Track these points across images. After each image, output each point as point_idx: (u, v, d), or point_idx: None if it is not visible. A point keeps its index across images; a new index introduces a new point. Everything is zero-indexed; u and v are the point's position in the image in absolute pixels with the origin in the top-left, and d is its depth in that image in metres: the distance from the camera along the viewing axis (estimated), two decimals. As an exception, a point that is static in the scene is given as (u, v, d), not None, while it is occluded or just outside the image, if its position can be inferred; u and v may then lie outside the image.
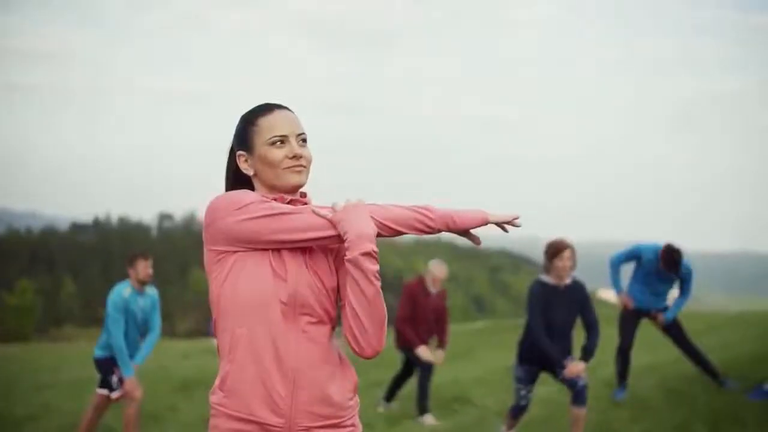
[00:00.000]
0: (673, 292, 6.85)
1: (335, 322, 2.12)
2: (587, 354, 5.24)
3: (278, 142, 2.07)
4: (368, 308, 2.00)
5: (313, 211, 2.03)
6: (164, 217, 77.31)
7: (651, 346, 8.28)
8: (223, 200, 2.06)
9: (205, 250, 2.10)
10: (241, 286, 2.01)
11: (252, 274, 2.01)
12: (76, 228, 73.77)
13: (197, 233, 79.50)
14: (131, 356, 6.00)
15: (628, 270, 6.91)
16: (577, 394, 5.19)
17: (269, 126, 2.09)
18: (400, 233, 2.10)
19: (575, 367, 5.13)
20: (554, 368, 5.24)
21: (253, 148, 2.10)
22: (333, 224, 2.02)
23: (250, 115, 2.14)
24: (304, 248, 2.06)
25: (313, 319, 2.05)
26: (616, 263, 6.82)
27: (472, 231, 2.17)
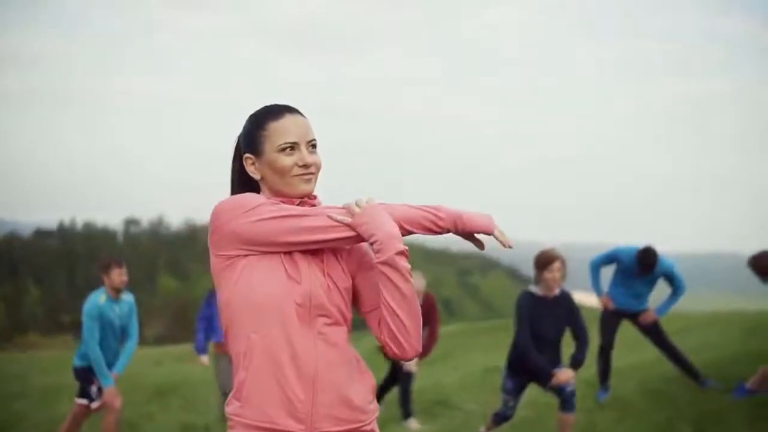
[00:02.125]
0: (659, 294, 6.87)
1: (350, 324, 2.07)
2: (576, 363, 5.23)
3: (288, 149, 2.02)
4: (408, 308, 1.97)
5: (329, 215, 1.98)
6: (130, 222, 76.30)
7: (631, 347, 8.31)
8: (230, 203, 2.00)
9: (211, 256, 2.04)
10: (255, 290, 1.95)
11: (265, 278, 1.95)
12: (40, 233, 72.50)
13: (164, 238, 78.88)
14: (110, 365, 5.89)
15: (608, 273, 6.95)
16: (565, 400, 5.17)
17: (279, 131, 2.03)
18: (411, 233, 2.06)
19: (563, 374, 5.10)
20: (543, 380, 5.21)
21: (262, 153, 2.04)
22: (351, 226, 1.97)
23: (259, 118, 2.08)
24: (315, 250, 2.01)
25: (330, 321, 2.00)
26: (596, 266, 6.84)
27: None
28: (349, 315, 2.06)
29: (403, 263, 1.96)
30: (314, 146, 2.06)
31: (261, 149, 2.04)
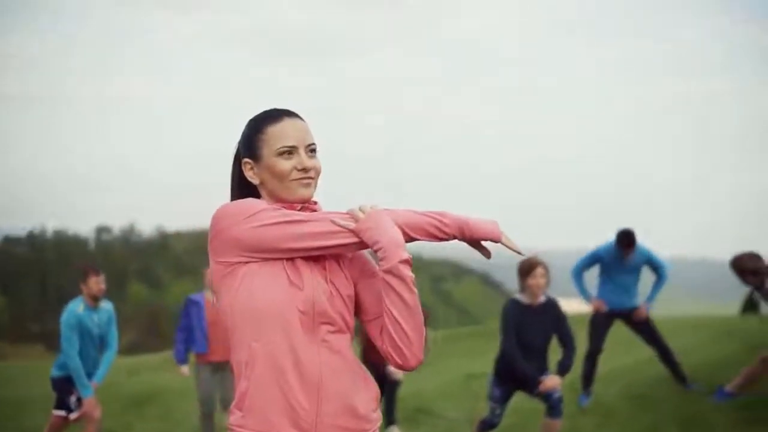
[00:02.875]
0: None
1: (353, 331, 2.03)
2: (563, 369, 5.21)
3: (286, 153, 1.98)
4: (411, 317, 1.93)
5: (332, 220, 1.94)
6: (102, 229, 75.49)
7: (612, 352, 8.32)
8: (231, 208, 1.95)
9: (211, 263, 1.99)
10: (256, 297, 1.90)
11: (267, 284, 1.90)
12: (9, 241, 71.42)
13: (136, 246, 78.17)
14: (90, 375, 5.79)
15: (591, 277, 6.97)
16: (552, 406, 5.16)
17: (278, 136, 1.99)
18: (414, 239, 2.01)
19: (550, 381, 5.09)
20: (529, 387, 5.19)
21: (261, 158, 2.00)
22: (355, 232, 1.93)
23: (257, 122, 2.04)
24: (317, 257, 1.97)
25: (333, 329, 1.95)
26: (578, 271, 6.87)
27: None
28: (352, 322, 2.02)
29: (407, 272, 1.91)
30: (314, 151, 2.02)
31: (259, 153, 2.00)
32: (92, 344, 5.82)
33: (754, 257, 5.57)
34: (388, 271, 1.90)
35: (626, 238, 6.63)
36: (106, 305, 5.95)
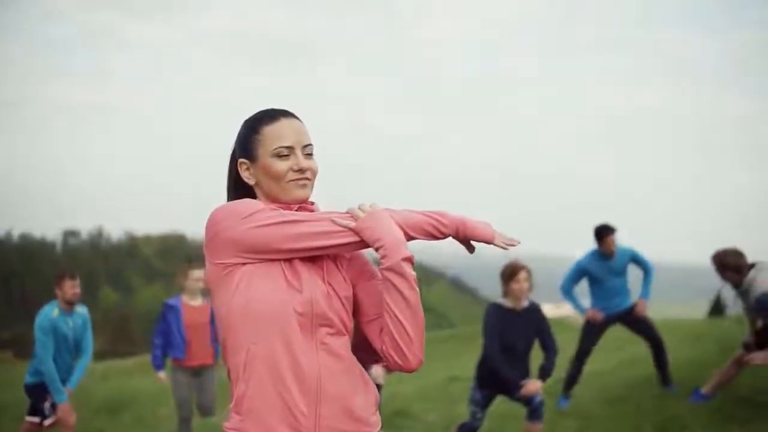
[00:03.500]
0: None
1: (351, 333, 2.00)
2: (545, 373, 5.21)
3: (283, 154, 1.95)
4: (413, 316, 1.91)
5: (332, 220, 1.91)
6: (69, 233, 74.52)
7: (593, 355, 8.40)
8: (226, 209, 1.92)
9: (207, 264, 1.95)
10: (254, 299, 1.86)
11: (264, 286, 1.87)
12: (-26, 246, 70.16)
13: (104, 250, 77.30)
14: (64, 380, 5.70)
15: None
16: (534, 410, 5.15)
17: (274, 136, 1.96)
18: (414, 239, 2.00)
19: (532, 385, 5.08)
20: (511, 391, 5.18)
21: (256, 158, 1.98)
22: (355, 231, 1.91)
23: (253, 122, 2.01)
24: (315, 257, 1.94)
25: (332, 331, 1.93)
26: (567, 288, 6.88)
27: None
28: (350, 324, 1.99)
29: (409, 270, 1.89)
30: (310, 153, 2.00)
31: (255, 154, 1.98)
32: (67, 349, 5.73)
33: (736, 254, 5.56)
34: (390, 269, 1.88)
35: (604, 231, 6.66)
36: (81, 310, 5.87)
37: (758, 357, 5.45)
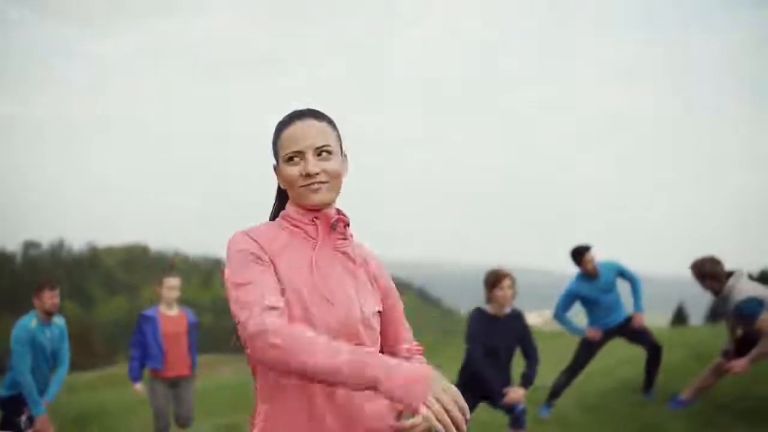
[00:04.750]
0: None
1: (380, 350, 1.95)
2: (527, 381, 5.23)
3: (293, 159, 1.88)
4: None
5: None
6: (30, 245, 73.16)
7: (560, 365, 8.46)
8: (227, 246, 1.86)
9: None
10: (289, 305, 1.79)
11: (296, 300, 1.80)
12: (-70, 257, 68.54)
13: (66, 262, 75.98)
14: (41, 392, 5.59)
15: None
16: (516, 418, 5.17)
17: (286, 141, 1.89)
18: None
19: (515, 393, 5.10)
20: (493, 397, 5.20)
21: (278, 164, 1.94)
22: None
23: (278, 126, 1.95)
24: (348, 271, 1.91)
25: (366, 347, 1.86)
26: (561, 315, 6.92)
27: None
28: (379, 341, 1.94)
29: None
30: (327, 152, 1.88)
31: (277, 160, 1.94)
32: (44, 360, 5.64)
33: (713, 261, 5.65)
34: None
35: (579, 252, 6.75)
36: (59, 320, 5.78)
37: (738, 365, 5.53)
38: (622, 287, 6.98)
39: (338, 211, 1.97)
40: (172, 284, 6.32)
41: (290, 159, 1.89)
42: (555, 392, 6.95)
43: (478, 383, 5.16)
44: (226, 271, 1.81)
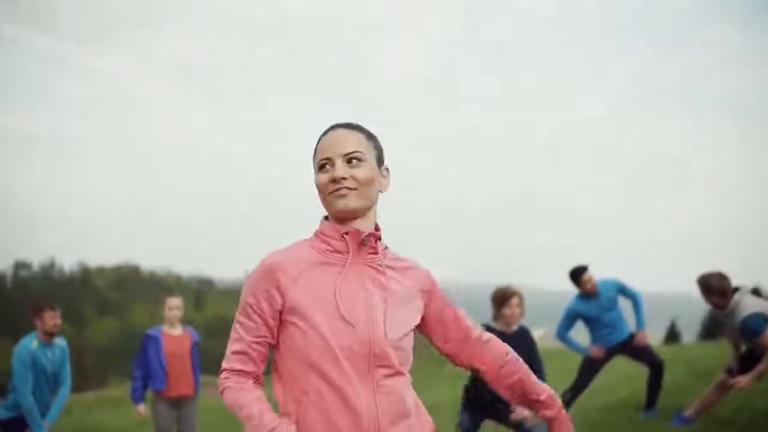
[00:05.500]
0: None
1: (409, 368, 1.93)
2: None
3: (323, 166, 1.90)
4: None
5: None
6: (20, 265, 72.75)
7: (560, 382, 8.46)
8: (249, 275, 1.95)
9: None
10: (306, 335, 1.81)
11: (318, 323, 1.80)
12: None
13: (57, 282, 75.41)
14: (42, 414, 5.56)
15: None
16: None
17: (319, 150, 1.93)
18: None
19: (523, 411, 5.11)
20: (500, 415, 5.20)
21: (315, 173, 1.95)
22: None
23: (319, 137, 1.97)
24: (378, 288, 1.89)
25: (390, 371, 1.85)
26: (563, 335, 6.94)
27: None
28: (410, 361, 1.93)
29: None
30: (357, 159, 1.87)
31: (314, 170, 1.95)
32: (46, 382, 5.61)
33: (720, 277, 5.61)
34: None
35: (577, 272, 6.80)
36: (60, 341, 5.76)
37: (743, 381, 5.52)
38: (624, 305, 7.01)
39: (375, 226, 1.96)
40: (173, 304, 6.31)
41: (321, 167, 1.90)
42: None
43: (485, 402, 5.16)
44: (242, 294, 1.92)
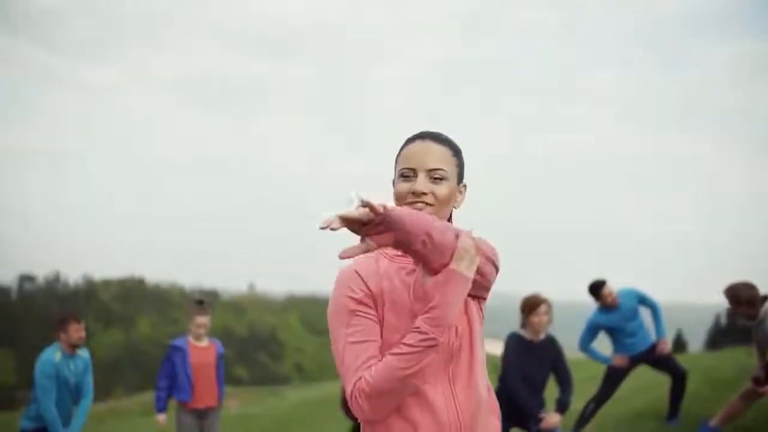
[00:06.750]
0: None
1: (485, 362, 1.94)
2: (562, 406, 5.23)
3: (406, 175, 1.89)
4: None
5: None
6: (25, 278, 72.72)
7: (581, 393, 8.43)
8: (336, 284, 1.87)
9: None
10: (384, 337, 1.79)
11: (393, 324, 1.79)
12: (-76, 292, 68.08)
13: (62, 295, 75.36)
14: (65, 425, 5.56)
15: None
16: None
17: (403, 157, 1.93)
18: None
19: (552, 418, 5.10)
20: (528, 423, 5.19)
21: (394, 179, 1.95)
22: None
23: (403, 144, 1.97)
24: None
25: (467, 367, 1.86)
26: (586, 346, 6.93)
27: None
28: (484, 353, 1.93)
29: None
30: (440, 177, 1.88)
31: (394, 175, 1.95)
32: (68, 394, 5.61)
33: (749, 287, 5.57)
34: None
35: (596, 287, 6.80)
36: (83, 353, 5.76)
37: None
38: (642, 314, 6.99)
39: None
40: (201, 322, 6.31)
41: (403, 176, 1.90)
42: (582, 422, 6.92)
43: (513, 409, 5.15)
44: (329, 312, 1.82)
